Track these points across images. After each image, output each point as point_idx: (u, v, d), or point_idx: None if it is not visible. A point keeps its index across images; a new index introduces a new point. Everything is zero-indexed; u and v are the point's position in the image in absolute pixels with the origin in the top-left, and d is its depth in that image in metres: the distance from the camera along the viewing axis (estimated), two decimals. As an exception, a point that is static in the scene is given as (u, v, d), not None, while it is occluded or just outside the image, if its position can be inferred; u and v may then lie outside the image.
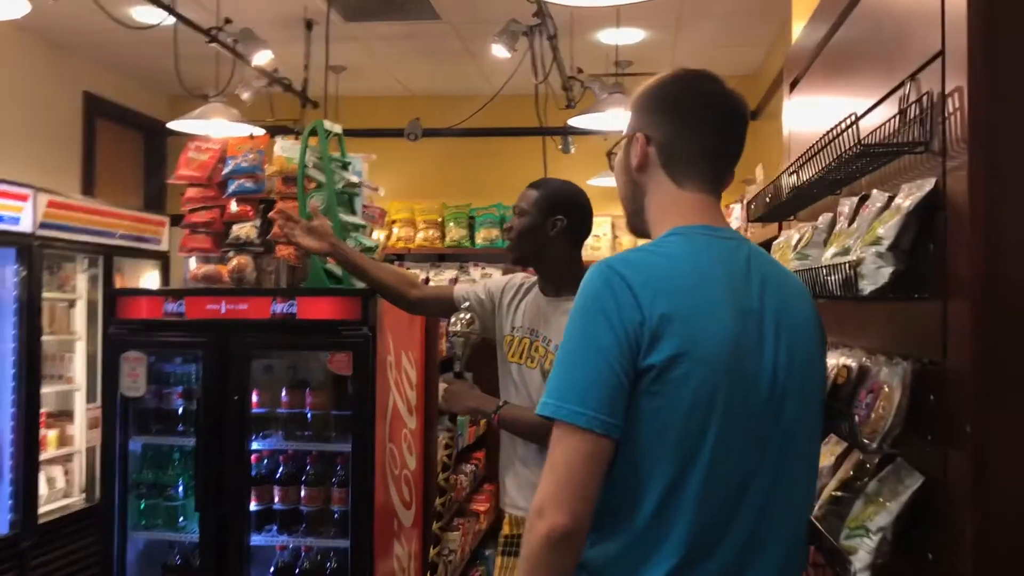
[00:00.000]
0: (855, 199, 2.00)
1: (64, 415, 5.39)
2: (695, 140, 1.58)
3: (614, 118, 5.01)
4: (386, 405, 3.37)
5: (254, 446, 3.32)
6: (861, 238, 1.72)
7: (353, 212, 3.52)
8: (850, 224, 1.96)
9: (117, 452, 3.35)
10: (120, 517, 3.35)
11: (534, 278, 2.79)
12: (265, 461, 3.42)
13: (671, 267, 1.48)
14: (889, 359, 1.67)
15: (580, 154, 6.48)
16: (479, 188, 7.44)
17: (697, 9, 5.72)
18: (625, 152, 1.65)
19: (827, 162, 1.73)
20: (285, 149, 3.63)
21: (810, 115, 2.72)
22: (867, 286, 1.53)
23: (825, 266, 1.77)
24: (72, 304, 5.43)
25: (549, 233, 2.63)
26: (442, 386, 2.67)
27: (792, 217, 2.93)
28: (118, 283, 5.75)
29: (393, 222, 7.19)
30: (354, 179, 3.49)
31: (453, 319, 2.65)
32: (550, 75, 4.96)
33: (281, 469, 3.37)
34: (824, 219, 2.27)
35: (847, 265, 1.61)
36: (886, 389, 1.55)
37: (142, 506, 3.43)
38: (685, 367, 1.39)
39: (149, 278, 6.35)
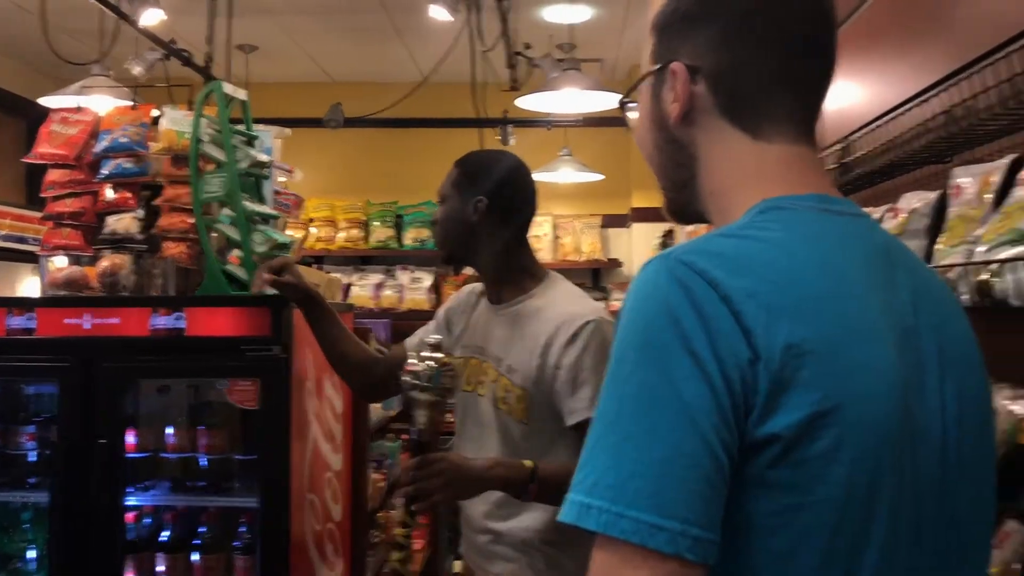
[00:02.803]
0: (991, 168, 1.39)
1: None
2: (770, 60, 0.93)
3: (568, 99, 4.38)
4: (305, 444, 2.65)
5: (130, 501, 2.55)
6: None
7: (261, 199, 2.79)
8: (998, 203, 1.34)
9: (-53, 512, 2.55)
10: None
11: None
12: (145, 521, 2.66)
13: (789, 263, 0.84)
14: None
15: (522, 145, 5.94)
16: (407, 183, 6.80)
17: (654, -18, 5.12)
18: (653, 98, 0.99)
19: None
20: (175, 122, 2.88)
21: (864, 84, 2.12)
22: None
23: (995, 261, 1.14)
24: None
25: (472, 219, 2.04)
26: (407, 470, 1.82)
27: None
28: (-10, 291, 4.98)
29: (311, 220, 6.56)
30: (263, 157, 2.75)
31: (412, 358, 1.84)
32: (491, 52, 4.31)
33: (167, 531, 2.61)
34: (918, 199, 1.66)
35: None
36: None
37: (-18, 582, 2.64)
38: (833, 435, 0.79)
39: (29, 285, 5.55)
